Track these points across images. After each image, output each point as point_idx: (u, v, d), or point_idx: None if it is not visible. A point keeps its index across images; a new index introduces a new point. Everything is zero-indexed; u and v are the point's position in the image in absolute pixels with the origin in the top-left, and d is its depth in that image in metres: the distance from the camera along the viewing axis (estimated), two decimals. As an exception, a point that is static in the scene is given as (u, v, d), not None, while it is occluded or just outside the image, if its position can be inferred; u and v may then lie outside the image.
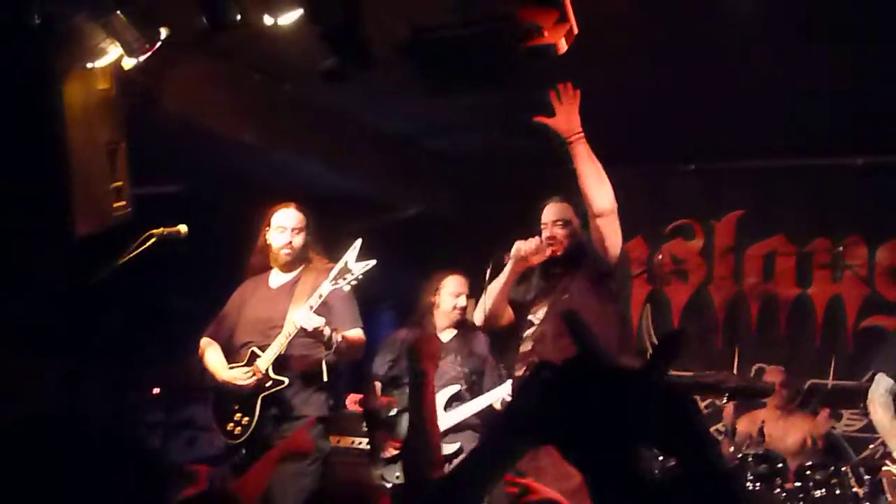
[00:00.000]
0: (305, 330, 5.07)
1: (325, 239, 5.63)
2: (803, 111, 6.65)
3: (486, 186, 8.40)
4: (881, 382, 5.70)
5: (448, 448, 5.92)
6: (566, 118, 4.56)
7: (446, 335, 6.21)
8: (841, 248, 7.69)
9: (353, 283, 5.06)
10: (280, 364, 5.23)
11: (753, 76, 6.25)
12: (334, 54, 4.62)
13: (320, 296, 5.10)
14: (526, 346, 4.80)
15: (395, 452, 5.94)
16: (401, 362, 6.18)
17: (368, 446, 6.63)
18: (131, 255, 4.82)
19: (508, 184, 8.03)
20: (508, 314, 5.00)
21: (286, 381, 5.23)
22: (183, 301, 7.40)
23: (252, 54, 6.08)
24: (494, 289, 4.90)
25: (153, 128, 5.71)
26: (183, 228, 4.95)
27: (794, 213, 7.92)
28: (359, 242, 5.11)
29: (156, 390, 7.86)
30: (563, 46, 4.28)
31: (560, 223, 4.80)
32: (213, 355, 5.49)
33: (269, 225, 5.47)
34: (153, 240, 4.85)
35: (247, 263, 5.63)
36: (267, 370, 5.22)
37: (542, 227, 4.83)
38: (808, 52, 5.79)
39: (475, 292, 6.11)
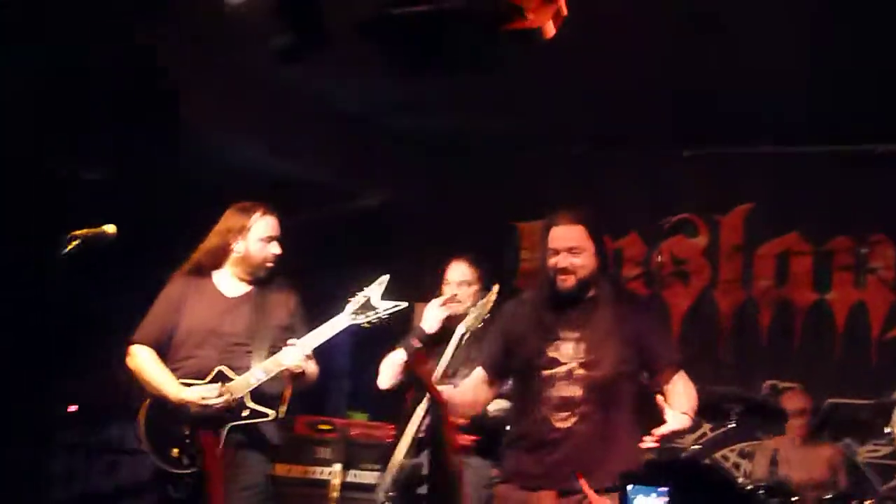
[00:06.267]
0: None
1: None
2: (821, 92, 6.57)
3: (455, 173, 8.33)
4: None
5: None
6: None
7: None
8: (865, 249, 7.60)
9: (374, 321, 4.98)
10: (256, 393, 5.04)
11: (765, 53, 6.14)
12: (288, 30, 4.42)
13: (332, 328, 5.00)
14: (562, 391, 4.33)
15: None
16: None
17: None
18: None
19: (481, 170, 7.97)
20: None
21: (271, 414, 5.03)
22: (103, 304, 7.15)
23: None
24: None
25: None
26: (109, 228, 4.68)
27: (811, 207, 7.79)
28: (386, 278, 5.01)
29: (72, 408, 7.62)
30: (551, 30, 4.02)
31: (575, 250, 4.36)
32: (152, 366, 5.18)
33: (240, 231, 5.21)
34: (76, 242, 4.57)
35: (193, 261, 5.30)
36: (243, 398, 4.99)
37: (550, 252, 4.39)
38: (828, 29, 5.73)
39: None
